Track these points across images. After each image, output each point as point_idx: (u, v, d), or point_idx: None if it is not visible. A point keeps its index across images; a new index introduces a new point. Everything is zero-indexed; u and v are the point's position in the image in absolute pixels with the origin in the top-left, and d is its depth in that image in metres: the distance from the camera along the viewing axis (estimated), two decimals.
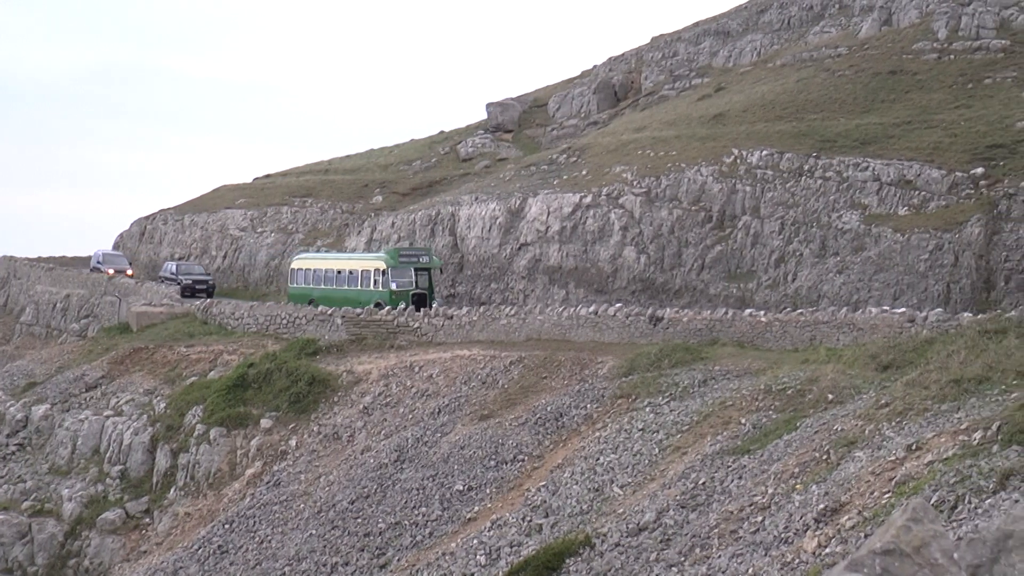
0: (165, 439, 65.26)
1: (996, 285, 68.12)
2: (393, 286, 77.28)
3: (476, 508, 49.00)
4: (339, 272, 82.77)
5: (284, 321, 78.64)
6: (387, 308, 74.33)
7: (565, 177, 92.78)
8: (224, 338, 77.76)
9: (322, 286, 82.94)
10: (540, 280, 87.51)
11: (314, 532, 52.23)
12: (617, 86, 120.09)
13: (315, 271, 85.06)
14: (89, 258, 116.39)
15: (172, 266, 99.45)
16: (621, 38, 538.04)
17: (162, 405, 68.36)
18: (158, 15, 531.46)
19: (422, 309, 73.31)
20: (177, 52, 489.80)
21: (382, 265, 78.38)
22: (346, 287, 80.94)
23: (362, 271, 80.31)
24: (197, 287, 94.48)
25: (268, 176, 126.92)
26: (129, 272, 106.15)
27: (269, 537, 53.73)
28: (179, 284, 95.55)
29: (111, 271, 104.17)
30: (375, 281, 78.34)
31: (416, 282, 79.05)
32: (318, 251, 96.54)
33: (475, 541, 45.49)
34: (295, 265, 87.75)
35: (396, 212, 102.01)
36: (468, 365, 62.47)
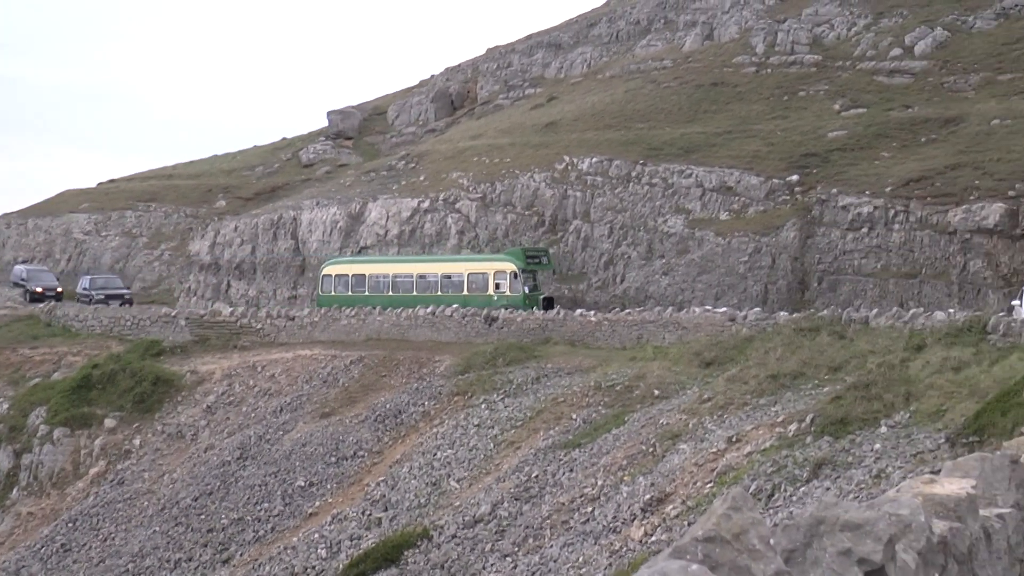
0: (8, 440, 63.80)
1: (810, 286, 69.31)
2: (526, 289, 69.85)
3: (317, 503, 48.86)
4: (422, 276, 74.24)
5: (128, 323, 77.02)
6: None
7: (404, 183, 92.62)
8: (68, 340, 76.09)
9: (388, 292, 73.91)
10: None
11: (158, 529, 51.62)
12: (454, 95, 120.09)
13: (373, 277, 76.09)
14: None
15: (86, 280, 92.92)
16: (458, 49, 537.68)
17: (4, 406, 66.81)
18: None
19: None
20: (19, 59, 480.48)
21: (511, 267, 70.52)
22: (441, 292, 71.51)
23: (470, 274, 72.03)
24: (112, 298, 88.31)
25: (113, 181, 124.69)
26: (59, 289, 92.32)
27: (113, 534, 53.04)
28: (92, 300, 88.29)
29: (39, 288, 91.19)
30: (497, 284, 70.36)
31: (538, 284, 72.52)
32: (358, 256, 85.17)
33: (316, 535, 45.42)
34: (330, 271, 78.26)
35: (239, 216, 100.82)
36: (310, 364, 62.17)
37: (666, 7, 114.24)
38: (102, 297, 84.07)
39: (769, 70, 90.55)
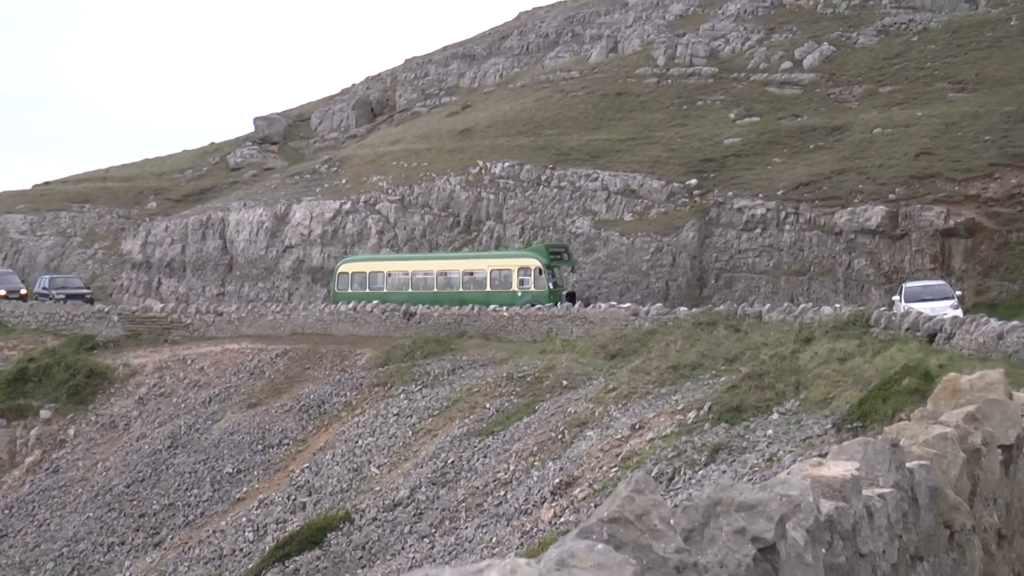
0: None
1: (708, 282, 69.75)
2: (550, 285, 65.18)
3: (244, 489, 48.60)
4: (443, 273, 70.07)
5: (63, 319, 76.07)
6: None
7: (327, 185, 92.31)
8: (3, 335, 74.94)
9: (407, 290, 69.79)
10: (304, 279, 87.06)
11: (92, 514, 51.16)
12: (374, 103, 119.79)
13: (391, 275, 71.96)
14: None
15: (46, 280, 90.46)
16: (377, 59, 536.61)
17: None
18: None
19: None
20: None
21: (535, 263, 66.00)
22: (463, 289, 67.91)
23: (492, 271, 67.90)
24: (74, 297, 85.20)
25: (48, 183, 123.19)
26: (23, 291, 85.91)
27: (48, 520, 52.51)
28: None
29: (2, 292, 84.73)
30: (521, 281, 65.82)
31: (561, 279, 68.04)
32: (375, 254, 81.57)
33: (244, 519, 45.16)
34: (347, 269, 74.17)
35: (170, 217, 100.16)
36: (237, 358, 61.81)
37: (573, 21, 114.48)
38: (63, 296, 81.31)
39: (669, 81, 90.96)
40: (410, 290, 69.45)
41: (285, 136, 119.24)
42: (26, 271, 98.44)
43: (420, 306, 65.59)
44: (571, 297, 64.33)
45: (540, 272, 64.32)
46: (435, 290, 67.74)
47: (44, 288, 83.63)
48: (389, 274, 71.41)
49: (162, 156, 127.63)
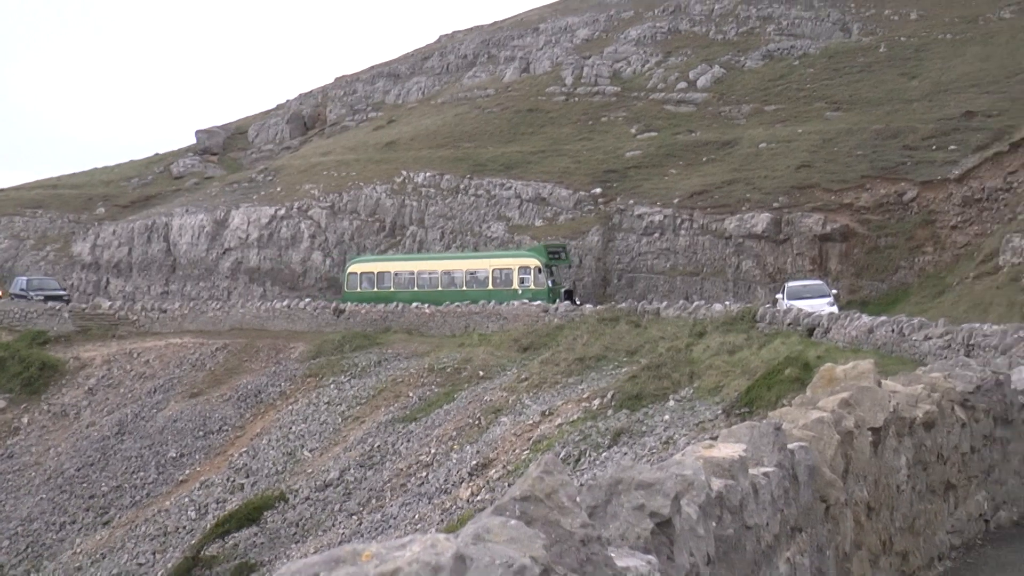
0: None
1: (611, 282, 70.00)
2: (549, 283, 62.99)
3: (187, 471, 48.39)
4: (447, 273, 67.96)
5: (16, 315, 75.06)
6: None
7: (263, 193, 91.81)
8: None
9: (413, 288, 67.58)
10: (242, 279, 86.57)
11: (44, 496, 50.76)
12: (306, 117, 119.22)
13: (399, 274, 70.08)
14: None
15: (22, 280, 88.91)
16: (310, 77, 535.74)
17: None
18: None
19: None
20: None
21: (534, 262, 63.99)
22: (466, 288, 65.61)
23: (494, 270, 65.71)
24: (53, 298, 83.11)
25: (2, 190, 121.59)
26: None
27: (3, 502, 51.90)
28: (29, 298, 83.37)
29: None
30: (522, 279, 63.58)
31: (559, 278, 65.64)
32: (385, 256, 78.12)
33: (187, 499, 44.98)
34: (355, 269, 71.86)
35: (117, 222, 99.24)
36: (180, 351, 61.50)
37: (489, 44, 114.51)
38: (41, 297, 79.35)
39: (576, 99, 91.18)
40: (415, 289, 67.71)
41: (224, 147, 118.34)
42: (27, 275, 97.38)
43: (348, 304, 65.42)
44: (569, 294, 62.93)
45: (539, 271, 62.97)
46: (439, 289, 65.98)
47: (21, 289, 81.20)
48: (396, 274, 69.84)
49: (110, 166, 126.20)
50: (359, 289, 68.73)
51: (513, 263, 65.04)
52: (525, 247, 68.93)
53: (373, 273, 69.84)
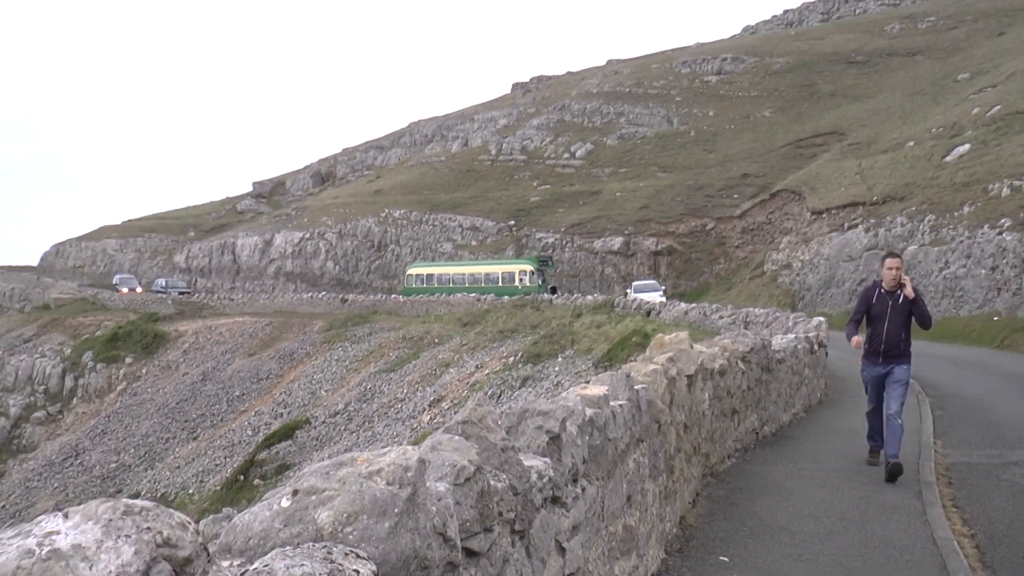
0: (70, 370, 61.81)
1: None
2: (540, 281, 59.96)
3: (246, 405, 48.16)
4: (472, 275, 64.51)
5: (139, 303, 74.80)
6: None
7: (295, 223, 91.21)
8: (106, 312, 73.58)
9: (450, 285, 63.92)
10: (281, 279, 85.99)
11: (156, 421, 50.45)
12: (323, 174, 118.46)
13: (440, 275, 66.09)
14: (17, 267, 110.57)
15: (163, 281, 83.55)
16: (325, 147, 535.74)
17: (68, 351, 64.73)
18: None
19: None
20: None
21: (529, 268, 61.01)
22: (485, 284, 62.04)
23: (503, 273, 62.47)
24: (182, 293, 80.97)
25: (130, 220, 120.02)
26: (139, 290, 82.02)
27: (130, 424, 51.57)
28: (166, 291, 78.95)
29: (125, 290, 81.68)
30: (521, 279, 60.50)
31: (547, 279, 61.69)
32: (432, 262, 73.19)
33: (246, 423, 44.81)
34: (413, 271, 68.05)
35: (202, 241, 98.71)
36: (242, 326, 61.12)
37: (442, 128, 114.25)
38: (176, 292, 77.41)
39: (498, 164, 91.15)
40: (451, 285, 63.82)
41: (271, 193, 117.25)
42: (114, 274, 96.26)
43: (351, 295, 65.14)
44: (553, 289, 59.40)
45: (532, 273, 60.51)
46: (467, 285, 62.79)
47: (162, 287, 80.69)
48: (439, 275, 66.37)
49: (198, 204, 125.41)
50: (415, 286, 66.06)
51: (515, 268, 62.39)
52: (524, 257, 66.44)
53: (424, 274, 66.99)
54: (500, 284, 61.42)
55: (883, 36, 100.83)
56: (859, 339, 10.68)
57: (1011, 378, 20.29)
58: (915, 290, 10.52)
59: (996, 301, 32.39)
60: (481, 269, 64.95)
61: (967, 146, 46.07)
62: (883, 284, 10.62)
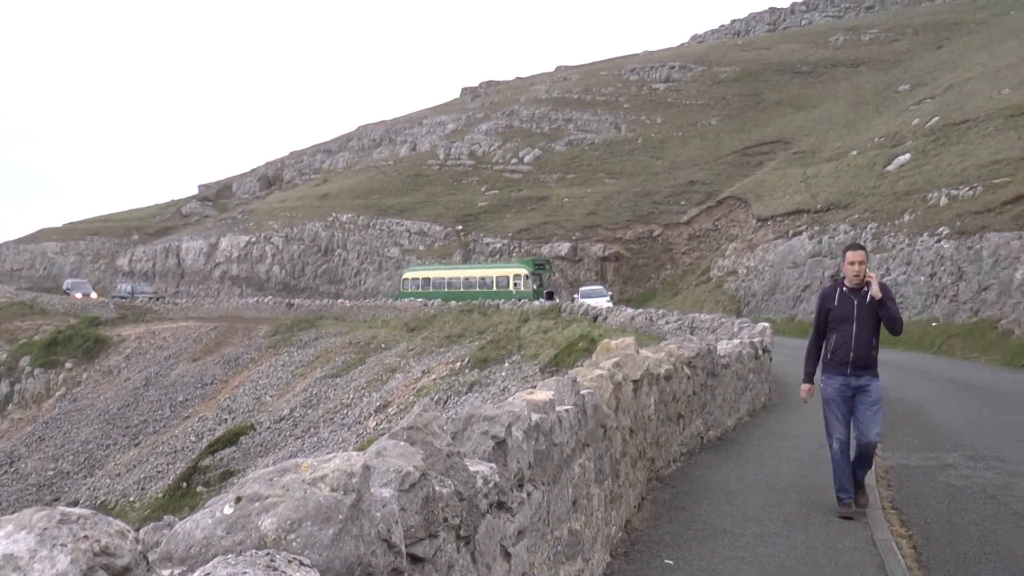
0: (6, 375, 60.56)
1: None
2: (534, 286, 56.96)
3: (190, 411, 47.56)
4: (467, 278, 61.16)
5: (79, 306, 73.59)
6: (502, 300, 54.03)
7: (241, 226, 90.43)
8: (44, 316, 72.29)
9: (446, 289, 60.84)
10: (227, 283, 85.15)
11: (96, 427, 49.60)
12: (270, 177, 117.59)
13: (436, 279, 62.92)
14: None
15: (127, 287, 79.80)
16: (273, 150, 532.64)
17: (4, 355, 63.38)
18: None
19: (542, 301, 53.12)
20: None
21: (523, 272, 57.79)
22: (479, 289, 58.80)
23: (497, 277, 59.17)
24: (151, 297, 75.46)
25: (71, 223, 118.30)
26: (93, 295, 79.39)
27: (69, 431, 50.68)
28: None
29: (79, 295, 78.63)
30: (516, 284, 57.42)
31: (543, 283, 58.82)
32: (425, 265, 70.16)
33: (189, 429, 44.27)
34: (408, 276, 64.94)
35: (147, 244, 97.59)
36: (186, 331, 60.38)
37: (391, 132, 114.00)
38: (139, 297, 74.99)
39: (446, 168, 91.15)
40: (446, 289, 60.83)
41: (217, 196, 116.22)
42: (57, 279, 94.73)
43: (297, 300, 64.65)
44: (550, 295, 56.65)
45: (527, 278, 57.37)
46: (461, 289, 59.93)
47: (128, 292, 77.58)
48: (434, 279, 63.24)
49: (141, 207, 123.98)
50: (410, 290, 63.20)
51: (510, 272, 59.15)
52: (519, 260, 63.25)
53: (419, 279, 63.98)
54: (495, 288, 58.50)
55: (827, 47, 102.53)
56: (809, 388, 9.25)
57: (947, 383, 20.71)
58: (883, 288, 8.87)
59: (934, 307, 33.04)
60: (476, 273, 62.08)
61: (907, 156, 46.99)
62: (845, 282, 8.97)
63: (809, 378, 9.23)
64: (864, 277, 8.85)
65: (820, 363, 9.15)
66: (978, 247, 32.60)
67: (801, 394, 9.28)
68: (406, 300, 59.25)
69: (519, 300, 51.32)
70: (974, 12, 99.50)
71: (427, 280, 63.37)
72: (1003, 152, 38.90)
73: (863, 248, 9.03)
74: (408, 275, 65.47)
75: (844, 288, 8.94)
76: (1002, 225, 32.36)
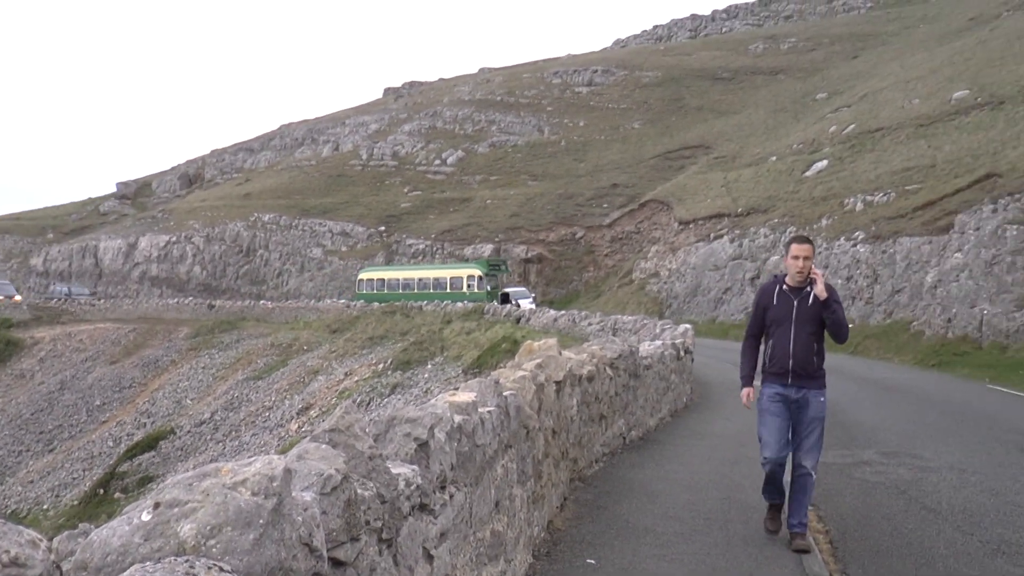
0: None
1: None
2: (488, 288, 54.09)
3: (107, 415, 46.59)
4: (422, 279, 58.19)
5: None
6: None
7: (161, 226, 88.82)
8: None
9: (400, 291, 58.00)
10: (146, 284, 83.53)
11: (8, 433, 48.21)
12: (191, 176, 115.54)
13: (390, 280, 60.10)
14: None
15: (64, 288, 77.20)
16: (194, 148, 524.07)
17: None
18: None
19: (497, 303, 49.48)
20: None
21: (476, 273, 55.10)
22: (434, 290, 56.50)
23: (451, 278, 56.50)
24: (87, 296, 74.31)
25: None
26: (17, 297, 73.84)
27: None
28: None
29: (1, 297, 73.19)
30: (469, 285, 54.69)
31: (499, 284, 55.79)
32: (386, 266, 67.74)
33: (107, 434, 43.37)
34: (363, 276, 62.29)
35: (62, 244, 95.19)
36: (104, 332, 59.09)
37: (313, 131, 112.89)
38: (78, 298, 72.12)
39: (369, 169, 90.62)
40: (401, 291, 57.98)
41: (136, 194, 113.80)
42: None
43: (218, 301, 63.66)
44: (504, 297, 52.64)
45: (481, 279, 54.61)
46: (416, 291, 57.52)
47: (65, 293, 74.80)
48: (390, 280, 60.67)
49: (57, 205, 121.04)
50: (367, 291, 60.58)
51: (463, 273, 56.56)
52: (473, 261, 60.66)
53: (374, 279, 61.48)
54: (449, 290, 56.08)
55: (748, 55, 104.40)
56: (750, 392, 8.08)
57: (862, 382, 21.25)
58: (829, 289, 7.76)
59: (851, 309, 33.84)
60: (431, 274, 59.57)
61: (825, 162, 48.08)
62: (786, 279, 7.86)
63: (748, 380, 8.08)
64: (808, 274, 7.75)
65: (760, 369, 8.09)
66: (892, 251, 33.51)
67: (742, 400, 8.14)
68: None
69: (472, 302, 49.08)
70: (886, 24, 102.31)
71: (382, 281, 61.29)
72: (915, 160, 40.05)
73: (810, 241, 7.88)
74: (364, 275, 63.29)
75: (784, 286, 7.84)
76: (914, 230, 33.31)
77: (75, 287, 78.91)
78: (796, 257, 7.69)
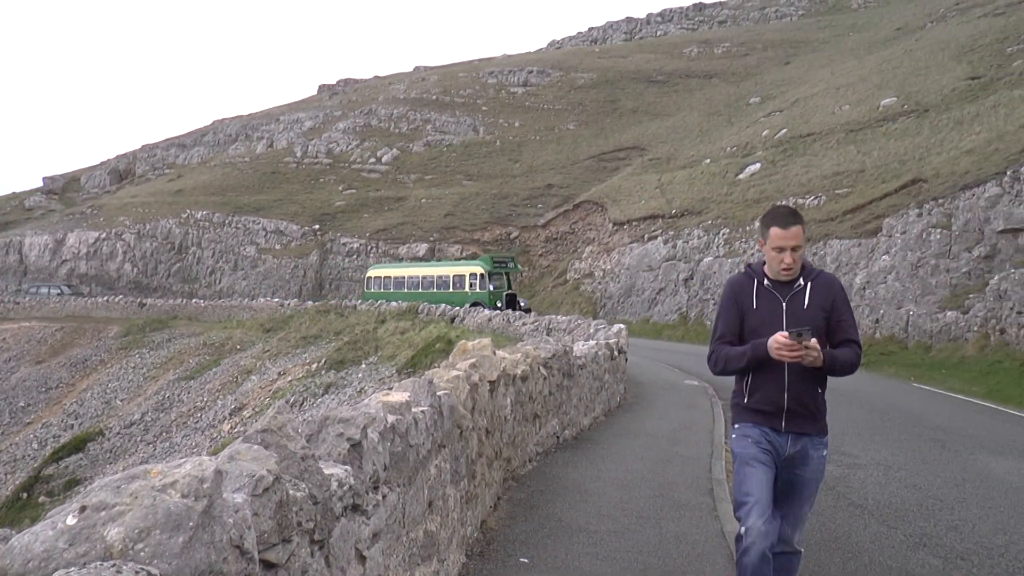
0: None
1: (324, 287, 69.24)
2: (491, 288, 48.72)
3: (32, 416, 45.55)
4: (426, 277, 53.95)
5: None
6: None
7: (90, 222, 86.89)
8: None
9: (405, 289, 54.44)
10: (75, 281, 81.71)
11: None
12: (122, 171, 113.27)
13: (396, 278, 56.21)
14: None
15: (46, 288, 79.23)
16: (124, 143, 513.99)
17: None
18: None
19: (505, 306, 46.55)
20: None
21: (480, 271, 49.65)
22: (437, 290, 52.05)
23: (453, 276, 51.58)
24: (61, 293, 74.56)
25: None
26: None
27: None
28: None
29: None
30: (471, 284, 49.63)
31: (507, 284, 49.93)
32: (390, 264, 63.52)
33: (32, 436, 42.42)
34: (371, 274, 58.62)
35: None
36: (29, 331, 57.73)
37: (247, 127, 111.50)
38: (57, 293, 70.97)
39: (303, 166, 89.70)
40: (405, 289, 54.83)
41: (64, 189, 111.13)
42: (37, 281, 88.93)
43: (150, 300, 62.62)
44: (510, 299, 47.72)
45: (483, 278, 49.42)
46: (419, 290, 53.76)
47: (36, 287, 73.93)
48: (396, 277, 57.15)
49: None
50: (374, 289, 57.31)
51: (466, 271, 51.99)
52: (479, 258, 55.40)
53: (381, 277, 57.99)
54: (451, 289, 51.57)
55: (682, 58, 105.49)
56: (777, 335, 5.20)
57: None
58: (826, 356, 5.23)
59: None
60: (434, 272, 55.75)
61: (758, 165, 48.82)
62: (766, 270, 5.34)
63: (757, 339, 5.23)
64: (799, 271, 5.30)
65: (732, 405, 5.60)
66: (822, 253, 34.14)
67: (778, 338, 5.02)
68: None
69: (471, 306, 44.17)
70: (817, 32, 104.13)
71: (389, 279, 58.22)
72: (844, 164, 40.88)
73: (799, 220, 5.22)
74: (371, 273, 60.18)
75: (765, 280, 5.32)
76: (843, 233, 34.01)
77: (57, 284, 76.83)
78: (780, 249, 5.17)
